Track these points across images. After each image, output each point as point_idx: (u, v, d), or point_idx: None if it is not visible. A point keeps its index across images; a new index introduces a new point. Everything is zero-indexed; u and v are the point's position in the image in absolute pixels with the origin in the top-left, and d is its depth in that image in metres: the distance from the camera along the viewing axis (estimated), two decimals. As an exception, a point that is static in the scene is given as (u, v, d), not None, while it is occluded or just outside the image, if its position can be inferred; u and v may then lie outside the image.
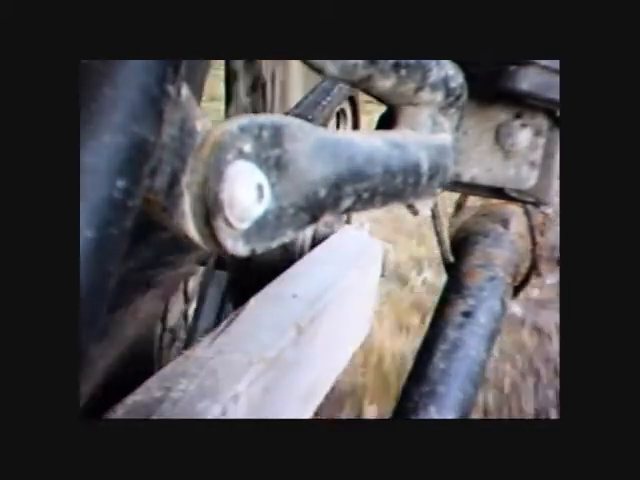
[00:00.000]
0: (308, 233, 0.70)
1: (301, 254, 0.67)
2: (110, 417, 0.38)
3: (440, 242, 0.59)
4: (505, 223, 0.56)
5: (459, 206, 0.60)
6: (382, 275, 0.79)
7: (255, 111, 0.71)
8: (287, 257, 0.66)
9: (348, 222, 0.90)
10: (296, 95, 0.76)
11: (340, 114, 0.86)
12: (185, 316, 0.91)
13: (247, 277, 0.67)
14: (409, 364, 0.49)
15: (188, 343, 0.74)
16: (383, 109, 0.46)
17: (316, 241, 0.71)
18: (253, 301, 0.54)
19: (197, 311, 0.78)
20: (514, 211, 0.57)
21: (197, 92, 0.47)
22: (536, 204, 0.55)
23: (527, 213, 0.57)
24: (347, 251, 0.69)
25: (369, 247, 0.73)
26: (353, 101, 0.90)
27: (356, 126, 0.92)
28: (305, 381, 0.54)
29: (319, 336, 0.55)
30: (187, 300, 0.84)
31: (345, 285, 0.62)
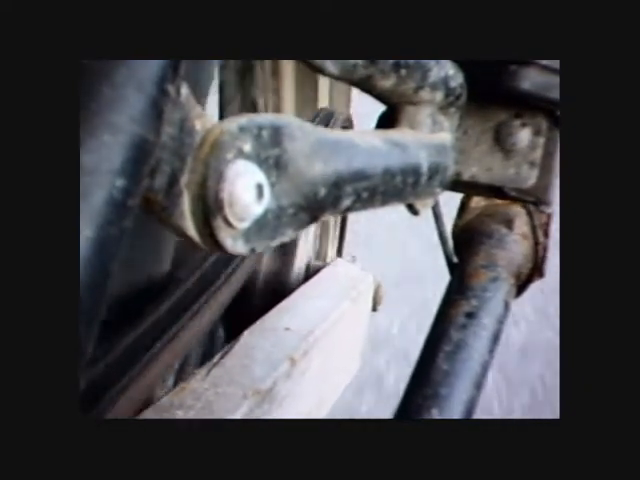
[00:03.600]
0: (301, 266, 0.70)
1: (294, 287, 0.68)
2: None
3: (443, 242, 0.59)
4: (509, 224, 0.56)
5: (463, 206, 0.60)
6: (373, 309, 0.80)
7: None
8: (280, 290, 0.67)
9: (340, 255, 0.90)
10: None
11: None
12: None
13: (240, 310, 0.68)
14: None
15: (181, 374, 0.75)
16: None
17: (309, 274, 0.71)
18: (247, 334, 0.54)
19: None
20: (518, 212, 0.57)
21: (204, 93, 0.47)
22: (536, 203, 0.55)
23: (530, 213, 0.57)
24: (339, 284, 0.70)
25: (360, 281, 0.73)
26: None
27: None
28: (298, 414, 0.55)
29: (312, 369, 0.56)
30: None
31: (337, 318, 0.63)
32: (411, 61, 0.40)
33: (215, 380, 0.47)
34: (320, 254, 0.79)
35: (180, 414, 0.42)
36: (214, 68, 0.49)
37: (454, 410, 0.43)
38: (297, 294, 0.65)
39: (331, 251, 0.84)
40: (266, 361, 0.50)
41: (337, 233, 0.88)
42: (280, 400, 0.50)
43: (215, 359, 0.50)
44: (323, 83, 0.81)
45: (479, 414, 0.46)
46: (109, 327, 0.38)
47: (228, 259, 0.50)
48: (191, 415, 0.42)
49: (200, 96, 0.45)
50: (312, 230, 0.72)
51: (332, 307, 0.63)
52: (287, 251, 0.69)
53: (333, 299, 0.65)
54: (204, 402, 0.44)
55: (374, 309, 0.80)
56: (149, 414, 0.42)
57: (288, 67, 0.78)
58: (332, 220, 0.84)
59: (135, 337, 0.40)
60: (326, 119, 0.72)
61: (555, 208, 0.55)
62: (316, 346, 0.56)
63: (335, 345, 0.63)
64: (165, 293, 0.45)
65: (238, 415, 0.43)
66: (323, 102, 0.82)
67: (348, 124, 0.82)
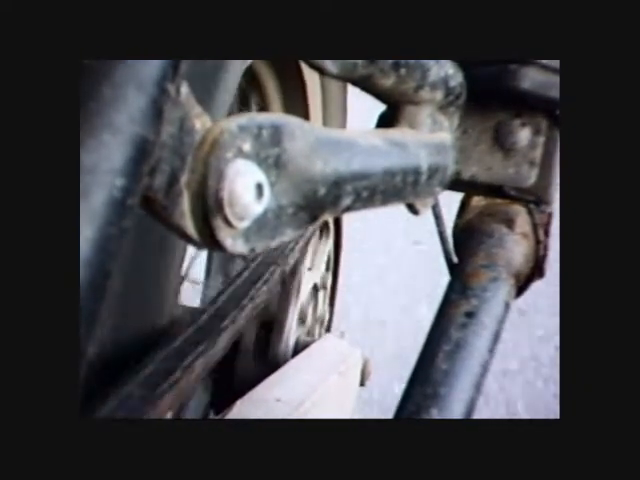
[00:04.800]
0: (290, 342, 0.72)
1: (284, 361, 0.69)
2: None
3: (443, 242, 0.59)
4: (509, 223, 0.56)
5: (463, 206, 0.60)
6: (361, 384, 0.81)
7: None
8: (270, 363, 0.69)
9: (328, 330, 0.92)
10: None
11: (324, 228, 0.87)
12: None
13: (231, 383, 0.70)
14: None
15: None
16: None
17: (298, 349, 0.73)
18: (239, 404, 0.55)
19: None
20: (518, 211, 0.56)
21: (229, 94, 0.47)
22: (536, 202, 0.55)
23: (530, 213, 0.56)
24: (328, 359, 0.72)
25: (348, 356, 0.75)
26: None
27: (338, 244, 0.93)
28: None
29: None
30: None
31: (326, 391, 0.64)
32: (411, 61, 0.40)
33: None
34: (309, 330, 0.81)
35: None
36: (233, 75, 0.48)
37: (454, 410, 0.43)
38: (287, 367, 0.67)
39: (319, 329, 0.87)
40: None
41: (326, 307, 0.91)
42: None
43: None
44: (313, 102, 0.79)
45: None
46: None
47: (223, 315, 0.50)
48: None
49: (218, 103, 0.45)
50: (300, 303, 0.74)
51: (321, 380, 0.65)
52: (276, 327, 0.71)
53: (322, 373, 0.67)
54: None
55: (362, 384, 0.82)
56: None
57: (271, 84, 0.77)
58: (322, 295, 0.86)
59: (130, 388, 0.40)
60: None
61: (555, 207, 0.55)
62: (307, 417, 0.58)
63: (325, 416, 0.65)
64: (159, 346, 0.44)
65: None
66: (316, 118, 0.81)
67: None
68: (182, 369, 0.42)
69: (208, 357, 0.45)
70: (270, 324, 0.71)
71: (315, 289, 0.82)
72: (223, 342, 0.48)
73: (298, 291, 0.73)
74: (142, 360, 0.42)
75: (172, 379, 0.41)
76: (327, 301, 0.92)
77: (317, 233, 0.83)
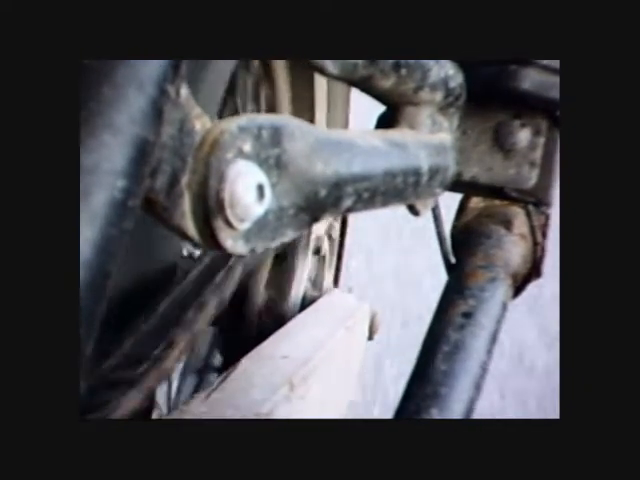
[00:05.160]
0: (298, 296, 0.71)
1: (290, 316, 0.69)
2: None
3: (441, 243, 0.59)
4: (508, 224, 0.56)
5: (462, 207, 0.60)
6: (370, 338, 0.81)
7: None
8: (277, 319, 0.68)
9: (336, 285, 0.91)
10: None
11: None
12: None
13: (236, 338, 0.69)
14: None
15: (175, 401, 0.75)
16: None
17: (305, 304, 0.72)
18: (245, 361, 0.55)
19: (184, 370, 0.79)
20: (517, 212, 0.57)
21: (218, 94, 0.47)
22: (537, 204, 0.55)
23: (528, 214, 0.57)
24: (335, 314, 0.71)
25: (356, 310, 0.74)
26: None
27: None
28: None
29: (310, 395, 0.56)
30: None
31: (334, 346, 0.64)
32: (411, 61, 0.40)
33: (214, 404, 0.47)
34: (317, 284, 0.81)
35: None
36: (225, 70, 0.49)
37: (453, 410, 0.43)
38: (294, 323, 0.66)
39: (327, 281, 0.86)
40: (265, 386, 0.51)
41: (334, 263, 0.90)
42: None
43: (214, 384, 0.50)
44: (320, 85, 0.81)
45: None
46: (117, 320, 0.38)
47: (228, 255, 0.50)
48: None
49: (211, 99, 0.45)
50: (309, 260, 0.74)
51: (328, 336, 0.64)
52: (284, 281, 0.70)
53: (329, 328, 0.66)
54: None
55: (370, 338, 0.81)
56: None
57: (282, 71, 0.78)
58: (329, 250, 0.85)
59: (140, 332, 0.40)
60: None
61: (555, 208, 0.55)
62: (314, 373, 0.57)
63: (332, 372, 0.65)
64: (169, 286, 0.45)
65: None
66: (320, 105, 0.82)
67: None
68: (195, 307, 0.42)
69: (220, 294, 0.45)
70: (278, 279, 0.70)
71: (325, 239, 0.82)
72: (235, 278, 0.48)
73: (307, 244, 0.72)
74: (155, 298, 0.42)
75: (186, 318, 0.41)
76: (335, 252, 0.91)
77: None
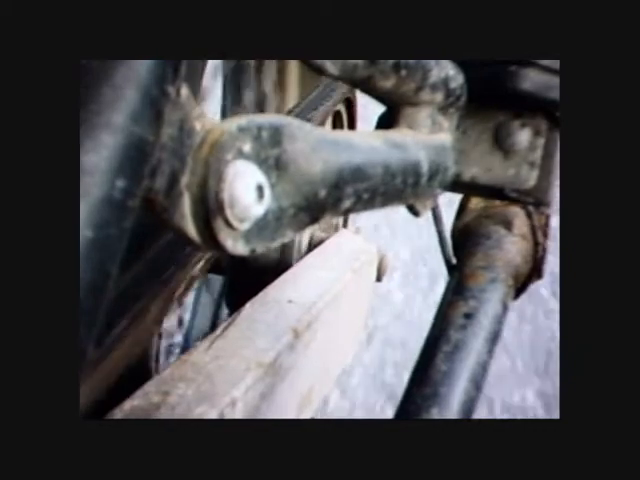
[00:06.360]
0: (304, 237, 0.70)
1: (297, 258, 0.67)
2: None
3: (442, 243, 0.59)
4: (508, 225, 0.56)
5: (462, 208, 0.60)
6: (378, 280, 0.80)
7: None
8: (283, 261, 0.67)
9: (345, 226, 0.90)
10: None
11: (336, 115, 0.87)
12: (180, 321, 0.90)
13: (243, 282, 0.68)
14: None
15: (184, 347, 0.74)
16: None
17: (312, 245, 0.71)
18: (249, 306, 0.54)
19: (193, 315, 0.79)
20: (517, 213, 0.57)
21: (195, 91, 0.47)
22: (536, 205, 0.55)
23: (529, 214, 0.57)
24: (342, 256, 0.70)
25: (364, 252, 0.73)
26: (350, 103, 0.91)
27: (352, 127, 0.92)
28: (302, 386, 0.54)
29: (315, 341, 0.55)
30: (181, 304, 0.84)
31: (340, 290, 0.62)
32: (411, 61, 0.40)
33: (218, 352, 0.46)
34: (324, 225, 0.79)
35: (182, 387, 0.41)
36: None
37: (454, 410, 0.43)
38: (300, 266, 0.64)
39: (335, 222, 0.84)
40: (269, 333, 0.50)
41: None
42: (284, 372, 0.49)
43: (218, 331, 0.49)
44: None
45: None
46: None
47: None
48: (192, 388, 0.41)
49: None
50: None
51: (335, 279, 0.62)
52: None
53: (336, 271, 0.64)
54: (205, 375, 0.43)
55: (379, 279, 0.79)
56: (151, 387, 0.41)
57: (292, 64, 0.78)
58: None
59: (128, 279, 0.39)
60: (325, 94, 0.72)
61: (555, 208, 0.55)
62: (319, 318, 0.56)
63: (338, 317, 0.63)
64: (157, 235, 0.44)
65: (241, 387, 0.43)
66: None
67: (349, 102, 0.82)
68: None
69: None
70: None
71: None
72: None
73: None
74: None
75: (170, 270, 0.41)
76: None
77: (330, 121, 0.82)
